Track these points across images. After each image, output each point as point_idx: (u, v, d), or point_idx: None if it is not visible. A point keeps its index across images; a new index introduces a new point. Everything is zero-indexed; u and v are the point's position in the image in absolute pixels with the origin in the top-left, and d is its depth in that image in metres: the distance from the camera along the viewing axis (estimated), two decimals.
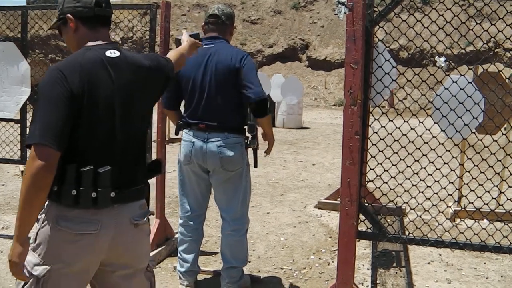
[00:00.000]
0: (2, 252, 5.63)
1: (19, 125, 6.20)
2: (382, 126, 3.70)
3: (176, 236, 5.50)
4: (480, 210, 3.85)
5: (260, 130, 4.68)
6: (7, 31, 6.75)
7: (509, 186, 3.65)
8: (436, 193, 3.82)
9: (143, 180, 2.78)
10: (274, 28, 33.20)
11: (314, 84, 30.34)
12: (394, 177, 3.87)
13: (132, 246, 2.68)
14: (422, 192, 3.84)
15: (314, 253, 5.74)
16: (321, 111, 25.12)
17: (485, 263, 5.44)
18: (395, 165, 3.77)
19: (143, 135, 2.83)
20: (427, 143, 3.70)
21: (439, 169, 3.77)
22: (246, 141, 4.57)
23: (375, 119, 3.83)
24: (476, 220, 5.06)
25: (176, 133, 4.71)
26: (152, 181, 6.89)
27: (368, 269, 5.27)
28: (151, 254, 5.18)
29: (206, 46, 4.37)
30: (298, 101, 17.74)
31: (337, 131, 15.99)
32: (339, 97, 27.99)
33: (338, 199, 7.17)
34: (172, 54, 3.26)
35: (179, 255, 4.79)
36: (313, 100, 28.95)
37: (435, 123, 3.74)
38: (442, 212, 4.10)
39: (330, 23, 32.18)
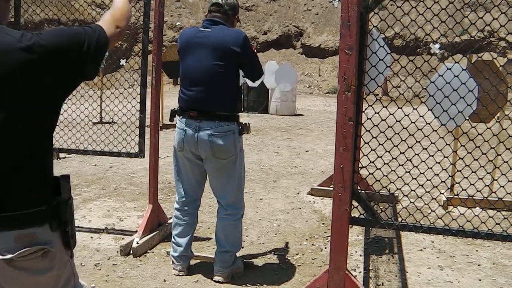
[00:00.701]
0: None
1: None
2: (376, 113, 3.70)
3: (169, 221, 5.51)
4: (473, 197, 3.87)
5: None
6: None
7: (502, 174, 3.66)
8: (429, 180, 3.82)
9: (24, 205, 2.05)
10: (269, 15, 33.10)
11: (308, 71, 30.29)
12: (387, 164, 3.87)
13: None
14: (415, 179, 3.85)
15: (307, 239, 5.75)
16: (314, 98, 25.10)
17: (477, 250, 5.47)
18: (389, 152, 3.78)
19: (20, 147, 2.06)
20: (420, 130, 3.71)
21: (432, 156, 3.78)
22: (240, 127, 4.56)
23: (369, 106, 3.83)
24: (469, 207, 5.08)
25: (171, 120, 4.73)
26: (145, 167, 6.90)
27: (360, 256, 5.29)
28: (144, 239, 5.21)
29: (201, 29, 4.42)
30: (291, 88, 17.69)
31: (331, 118, 16.00)
32: (332, 84, 27.96)
33: (331, 186, 7.18)
34: (105, 17, 2.40)
35: (172, 239, 4.82)
36: (307, 87, 28.93)
37: (428, 110, 3.74)
38: (435, 199, 4.11)
39: (325, 11, 32.09)
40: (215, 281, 4.62)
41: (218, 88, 4.40)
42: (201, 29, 4.44)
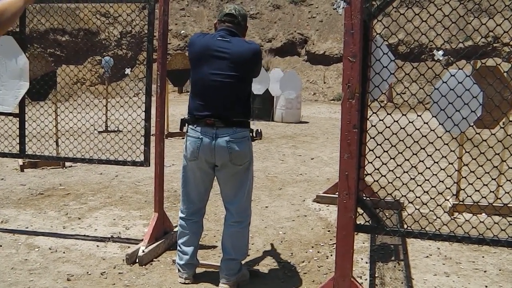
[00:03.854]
0: (1, 246, 5.63)
1: (17, 119, 6.20)
2: (380, 120, 3.70)
3: (175, 229, 5.52)
4: (478, 203, 3.87)
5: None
6: None
7: (507, 180, 3.66)
8: (434, 187, 3.82)
9: None
10: (273, 23, 33.14)
11: (313, 78, 30.30)
12: (392, 171, 3.88)
13: None
14: (420, 185, 3.85)
15: (312, 247, 5.74)
16: (320, 105, 25.09)
17: (483, 257, 5.45)
18: (393, 159, 3.78)
19: None
20: (425, 136, 3.71)
21: (437, 163, 3.78)
22: (251, 134, 4.59)
23: (373, 113, 3.83)
24: (474, 214, 5.07)
25: (181, 129, 4.71)
26: (151, 175, 6.92)
27: (366, 263, 5.28)
28: (150, 247, 5.22)
29: (220, 39, 4.45)
30: (296, 96, 17.73)
31: (336, 125, 16.00)
32: (337, 91, 27.96)
33: (337, 193, 7.19)
34: None
35: (178, 248, 4.82)
36: (312, 94, 28.93)
37: (433, 116, 3.74)
38: (440, 206, 4.10)
39: (329, 18, 32.12)
40: None
41: (235, 95, 4.47)
42: (219, 38, 4.45)
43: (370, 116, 3.90)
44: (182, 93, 27.83)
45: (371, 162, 3.82)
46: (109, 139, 6.76)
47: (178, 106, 15.79)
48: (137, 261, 5.16)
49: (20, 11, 2.28)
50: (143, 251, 5.19)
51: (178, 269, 4.80)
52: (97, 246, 5.66)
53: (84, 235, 5.94)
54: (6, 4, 2.16)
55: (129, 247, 5.54)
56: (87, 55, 28.52)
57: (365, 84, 3.73)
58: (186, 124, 4.60)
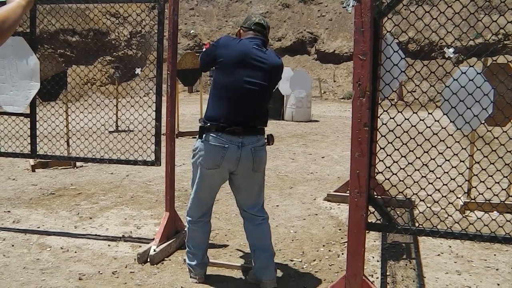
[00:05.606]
0: (13, 245, 5.66)
1: (28, 119, 6.22)
2: (391, 118, 3.70)
3: (186, 229, 5.53)
4: (490, 201, 3.85)
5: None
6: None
7: None
8: (446, 185, 3.81)
9: None
10: (283, 22, 33.15)
11: (323, 77, 30.29)
12: (403, 169, 3.87)
13: None
14: (432, 183, 3.84)
15: (323, 245, 5.74)
16: (330, 104, 25.08)
17: (495, 255, 5.43)
18: (404, 157, 3.78)
19: None
20: (436, 134, 3.70)
21: (448, 161, 3.77)
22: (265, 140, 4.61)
23: (384, 111, 3.83)
24: (486, 212, 5.05)
25: (200, 137, 4.47)
26: (162, 175, 6.94)
27: (378, 261, 5.27)
28: (162, 246, 5.23)
29: (256, 47, 4.43)
30: (306, 94, 17.72)
31: (346, 124, 15.99)
32: (348, 90, 27.95)
33: (348, 192, 7.18)
34: None
35: (188, 249, 4.81)
36: (322, 93, 28.92)
37: (444, 114, 3.73)
38: (451, 204, 4.09)
39: (339, 16, 32.10)
40: None
41: (263, 105, 4.51)
42: (255, 47, 4.42)
43: (380, 114, 3.90)
44: (192, 93, 27.88)
45: (382, 161, 3.82)
46: (120, 139, 6.77)
47: (188, 106, 15.84)
48: (148, 260, 5.17)
49: (20, 18, 2.24)
50: (154, 250, 5.21)
51: (190, 269, 4.80)
52: (109, 245, 5.68)
53: (96, 235, 5.96)
54: (7, 12, 2.10)
55: (140, 246, 5.55)
56: (97, 55, 28.63)
57: (376, 82, 3.73)
58: (206, 131, 4.43)
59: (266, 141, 4.58)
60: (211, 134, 4.36)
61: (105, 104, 7.06)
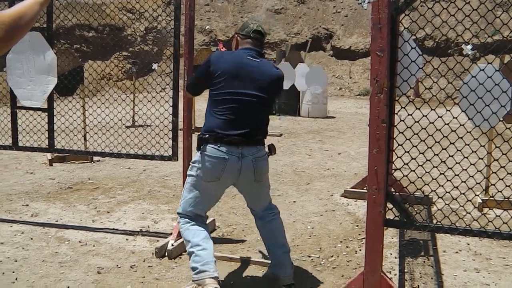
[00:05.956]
0: (32, 239, 5.72)
1: (46, 114, 6.26)
2: (409, 114, 3.70)
3: (209, 220, 5.57)
4: (509, 199, 3.84)
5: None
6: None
7: None
8: (464, 182, 3.81)
9: None
10: (298, 18, 33.08)
11: (339, 73, 30.22)
12: (421, 166, 3.87)
13: None
14: (450, 180, 3.84)
15: (341, 241, 5.74)
16: (346, 100, 25.02)
17: None
18: (422, 154, 3.77)
19: None
20: (454, 131, 3.70)
21: (466, 158, 3.76)
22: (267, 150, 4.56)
23: (401, 107, 3.82)
24: (505, 209, 5.03)
25: (198, 149, 4.35)
26: (178, 170, 6.96)
27: (395, 258, 5.27)
28: (179, 241, 5.25)
29: (250, 58, 4.32)
30: (323, 91, 17.69)
31: (362, 120, 15.95)
32: (363, 86, 27.87)
33: (365, 188, 7.19)
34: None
35: (194, 254, 4.32)
36: (338, 89, 28.86)
37: (462, 111, 3.73)
38: (470, 201, 4.08)
39: (354, 13, 31.99)
40: (286, 285, 4.48)
41: (262, 116, 4.43)
42: (249, 58, 4.32)
43: (398, 111, 3.90)
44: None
45: (400, 157, 3.82)
46: (137, 133, 6.80)
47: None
48: (166, 254, 5.20)
49: (37, 15, 2.15)
50: (172, 245, 5.24)
51: (203, 271, 4.25)
52: (126, 239, 5.72)
53: (113, 229, 6.00)
54: (24, 8, 2.01)
55: (158, 240, 5.59)
56: (113, 51, 28.75)
57: (393, 78, 3.73)
58: (204, 143, 4.29)
59: (268, 151, 4.51)
60: (210, 145, 4.24)
61: (122, 99, 7.11)
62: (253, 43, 4.46)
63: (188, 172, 4.47)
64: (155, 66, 14.20)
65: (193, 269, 4.21)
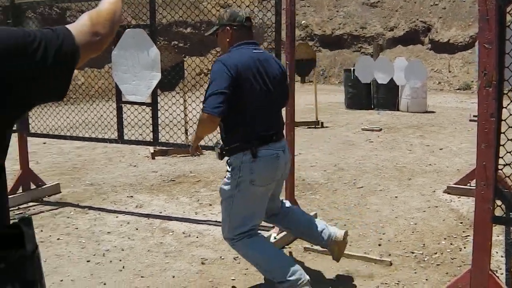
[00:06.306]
0: (137, 229, 5.92)
1: (150, 108, 6.44)
2: None
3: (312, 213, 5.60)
4: None
5: None
6: (132, 20, 7.00)
7: None
8: None
9: None
10: (394, 11, 32.55)
11: (438, 67, 29.56)
12: None
13: None
14: None
15: (445, 238, 5.63)
16: (445, 95, 24.43)
17: None
18: None
19: None
20: None
21: None
22: None
23: (511, 101, 3.72)
24: None
25: (221, 158, 4.20)
26: None
27: (502, 256, 5.12)
28: (281, 234, 5.29)
29: (256, 52, 4.16)
30: (422, 85, 17.34)
31: (463, 115, 15.55)
32: (463, 80, 27.15)
33: (469, 184, 7.03)
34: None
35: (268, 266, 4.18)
36: (437, 83, 28.24)
37: None
38: None
39: (452, 5, 31.18)
40: (344, 236, 4.57)
41: (281, 109, 4.47)
42: (255, 52, 4.15)
43: (507, 105, 3.79)
44: (304, 83, 27.94)
45: (510, 152, 3.72)
46: None
47: (302, 96, 15.78)
48: None
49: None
50: (274, 238, 5.29)
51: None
52: None
53: (216, 221, 6.10)
54: (113, 4, 1.89)
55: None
56: (210, 47, 29.16)
57: (502, 72, 3.63)
58: (252, 149, 3.99)
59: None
60: (261, 149, 4.01)
61: None
62: (248, 33, 4.29)
63: (228, 189, 4.11)
64: None
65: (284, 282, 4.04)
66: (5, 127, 1.56)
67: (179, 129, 7.02)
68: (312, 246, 5.18)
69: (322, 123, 13.82)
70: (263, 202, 4.20)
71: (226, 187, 4.09)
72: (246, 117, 4.03)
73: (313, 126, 13.60)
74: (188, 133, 9.68)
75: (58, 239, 5.71)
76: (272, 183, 4.16)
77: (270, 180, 4.11)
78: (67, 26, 1.68)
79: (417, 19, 31.57)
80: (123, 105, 6.61)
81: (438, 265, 4.96)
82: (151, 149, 9.97)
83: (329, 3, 33.56)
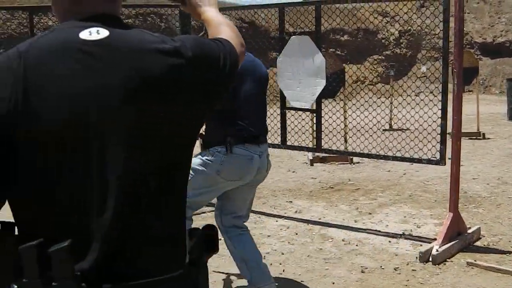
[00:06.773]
0: (297, 234, 5.99)
1: (314, 114, 6.49)
2: None
3: (469, 231, 5.42)
4: None
5: None
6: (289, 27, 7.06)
7: None
8: None
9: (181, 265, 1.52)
10: None
11: None
12: None
13: None
14: None
15: None
16: None
17: None
18: None
19: (173, 185, 1.58)
20: None
21: None
22: None
23: None
24: None
25: (206, 147, 4.15)
26: (440, 175, 6.87)
27: None
28: (444, 247, 5.15)
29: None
30: None
31: None
32: None
33: None
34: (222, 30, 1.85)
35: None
36: None
37: None
38: None
39: None
40: None
41: (265, 111, 4.39)
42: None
43: None
44: (464, 92, 27.10)
45: None
46: (396, 136, 6.78)
47: (465, 105, 15.31)
48: (430, 259, 5.14)
49: None
50: (437, 250, 5.16)
51: None
52: (389, 241, 5.74)
53: (376, 230, 6.06)
54: (236, 32, 1.86)
55: (421, 245, 5.53)
56: (367, 55, 28.97)
57: None
58: (229, 144, 4.00)
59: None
60: (238, 147, 4.03)
61: (381, 101, 7.16)
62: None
63: (197, 162, 4.08)
64: (423, 68, 14.12)
65: None
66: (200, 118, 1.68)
67: (341, 137, 7.05)
68: (475, 261, 5.01)
69: (483, 134, 13.28)
70: (216, 192, 4.21)
71: (197, 160, 4.08)
72: (237, 110, 4.04)
73: (474, 137, 13.10)
74: (347, 142, 9.66)
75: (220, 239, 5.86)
76: (237, 181, 4.11)
77: (236, 177, 4.08)
78: (221, 37, 1.75)
79: None
80: (286, 111, 6.69)
81: None
82: (310, 155, 10.01)
83: (490, 9, 32.29)
